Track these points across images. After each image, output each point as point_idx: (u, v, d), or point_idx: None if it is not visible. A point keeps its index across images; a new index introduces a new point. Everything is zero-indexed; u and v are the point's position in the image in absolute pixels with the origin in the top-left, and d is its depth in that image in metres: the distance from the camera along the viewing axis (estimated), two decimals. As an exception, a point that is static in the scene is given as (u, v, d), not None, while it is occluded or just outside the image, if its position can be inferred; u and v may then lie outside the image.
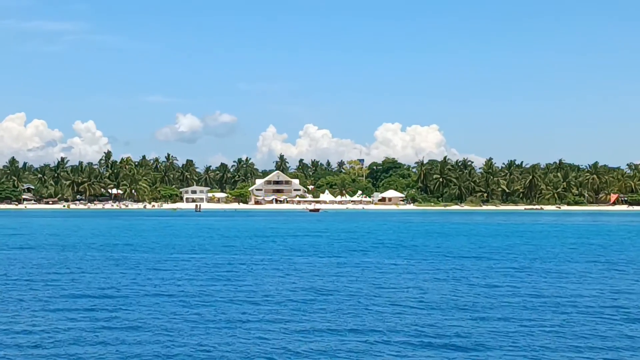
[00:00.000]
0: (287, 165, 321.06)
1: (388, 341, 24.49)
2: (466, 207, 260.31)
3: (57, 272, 44.71)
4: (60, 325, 26.90)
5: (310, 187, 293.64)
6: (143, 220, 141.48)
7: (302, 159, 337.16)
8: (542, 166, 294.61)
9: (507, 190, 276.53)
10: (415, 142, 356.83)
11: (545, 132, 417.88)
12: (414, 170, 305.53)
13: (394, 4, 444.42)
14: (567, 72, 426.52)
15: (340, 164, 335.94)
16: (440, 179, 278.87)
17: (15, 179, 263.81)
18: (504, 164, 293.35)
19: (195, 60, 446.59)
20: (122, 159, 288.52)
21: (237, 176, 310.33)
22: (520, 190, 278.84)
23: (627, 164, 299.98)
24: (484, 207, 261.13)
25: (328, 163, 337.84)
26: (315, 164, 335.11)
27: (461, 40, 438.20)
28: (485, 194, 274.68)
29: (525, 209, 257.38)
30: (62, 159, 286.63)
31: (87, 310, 30.04)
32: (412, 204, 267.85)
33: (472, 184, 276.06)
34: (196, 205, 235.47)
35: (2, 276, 42.35)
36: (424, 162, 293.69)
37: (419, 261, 52.65)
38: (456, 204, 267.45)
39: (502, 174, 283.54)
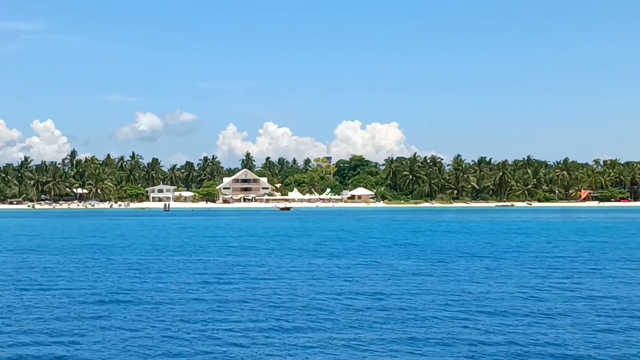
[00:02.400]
0: (253, 163, 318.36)
1: None
2: (437, 205, 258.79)
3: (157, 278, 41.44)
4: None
5: (278, 185, 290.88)
6: (123, 220, 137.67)
7: (269, 157, 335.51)
8: (509, 162, 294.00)
9: (477, 187, 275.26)
10: (375, 139, 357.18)
11: (504, 129, 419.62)
12: (381, 167, 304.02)
13: (353, 1, 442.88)
14: (530, 68, 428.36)
15: (307, 161, 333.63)
16: (410, 177, 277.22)
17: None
18: (474, 160, 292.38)
19: (155, 60, 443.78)
20: (86, 158, 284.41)
21: (203, 175, 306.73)
22: (491, 187, 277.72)
23: (594, 160, 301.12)
24: (455, 204, 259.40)
25: (294, 161, 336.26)
26: (281, 162, 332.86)
27: (421, 38, 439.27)
28: (456, 191, 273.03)
29: (496, 205, 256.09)
30: (26, 158, 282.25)
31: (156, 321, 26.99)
32: (381, 202, 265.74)
33: (442, 181, 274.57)
34: (165, 205, 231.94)
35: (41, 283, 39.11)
36: (393, 159, 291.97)
37: (469, 262, 49.87)
38: (426, 201, 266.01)
39: (472, 171, 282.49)
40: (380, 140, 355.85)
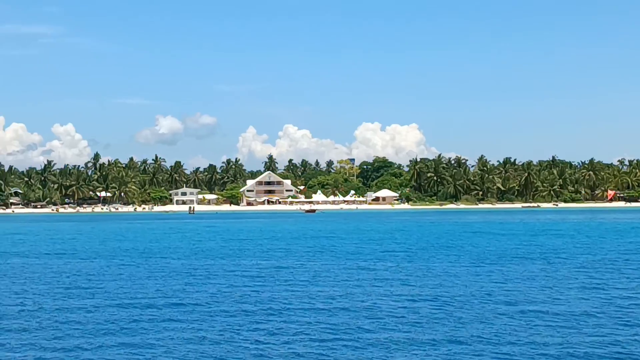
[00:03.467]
0: (276, 165, 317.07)
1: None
2: (462, 206, 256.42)
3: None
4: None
5: (301, 187, 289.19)
6: (153, 223, 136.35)
7: (292, 159, 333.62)
8: (534, 163, 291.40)
9: (503, 188, 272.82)
10: (395, 141, 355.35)
11: (525, 130, 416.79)
12: (405, 169, 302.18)
13: (373, 4, 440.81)
14: (550, 68, 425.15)
15: (329, 163, 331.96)
16: (435, 178, 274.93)
17: (2, 182, 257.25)
18: (499, 161, 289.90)
19: (174, 62, 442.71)
20: (109, 161, 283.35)
21: (226, 177, 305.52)
22: (516, 188, 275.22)
23: (618, 160, 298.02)
24: (480, 206, 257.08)
25: (317, 163, 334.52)
26: (304, 164, 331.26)
27: (441, 39, 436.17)
28: (481, 192, 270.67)
29: (522, 206, 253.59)
30: (49, 162, 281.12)
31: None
32: (406, 203, 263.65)
33: (467, 182, 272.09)
34: (190, 208, 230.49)
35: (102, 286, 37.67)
36: (417, 160, 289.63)
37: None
38: (451, 202, 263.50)
39: (497, 172, 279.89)
40: (400, 141, 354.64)
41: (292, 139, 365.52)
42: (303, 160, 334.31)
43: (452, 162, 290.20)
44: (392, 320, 28.25)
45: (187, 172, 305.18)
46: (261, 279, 42.08)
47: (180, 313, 30.45)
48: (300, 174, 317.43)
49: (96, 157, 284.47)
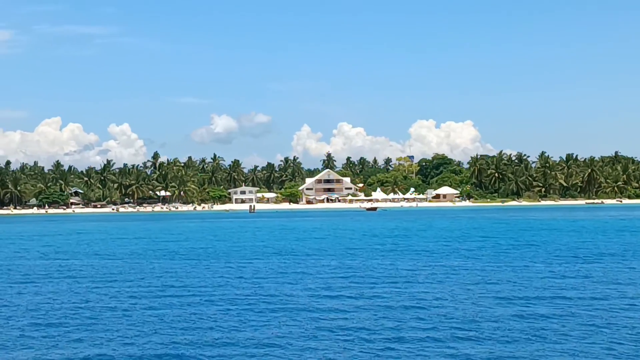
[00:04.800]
0: (334, 163, 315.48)
1: None
2: (524, 203, 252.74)
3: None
4: None
5: (360, 185, 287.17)
6: (222, 222, 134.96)
7: (349, 157, 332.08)
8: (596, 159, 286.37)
9: (565, 185, 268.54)
10: (450, 138, 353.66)
11: (584, 124, 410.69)
12: (463, 166, 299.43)
13: (424, 2, 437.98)
14: (609, 60, 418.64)
15: (387, 161, 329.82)
16: (496, 174, 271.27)
17: (62, 182, 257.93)
18: (560, 157, 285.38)
19: (228, 61, 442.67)
20: (168, 160, 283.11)
21: (284, 175, 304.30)
22: (579, 185, 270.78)
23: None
24: (543, 202, 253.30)
25: (375, 160, 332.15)
26: (362, 161, 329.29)
27: (495, 33, 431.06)
28: (543, 189, 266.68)
29: (586, 203, 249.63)
30: (108, 161, 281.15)
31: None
32: (467, 201, 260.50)
33: (529, 178, 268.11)
34: (250, 207, 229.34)
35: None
36: (478, 157, 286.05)
37: None
38: (513, 199, 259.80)
39: (559, 168, 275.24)
40: (455, 138, 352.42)
41: (347, 136, 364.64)
42: (361, 157, 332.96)
43: (513, 158, 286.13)
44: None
45: (245, 170, 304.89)
46: (353, 277, 40.22)
47: (304, 316, 28.70)
48: (358, 171, 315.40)
49: (155, 156, 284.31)
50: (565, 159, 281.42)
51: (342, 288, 37.12)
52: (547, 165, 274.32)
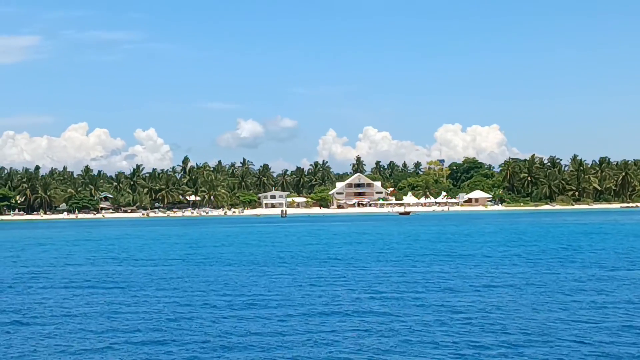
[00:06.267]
0: (364, 167, 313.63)
1: None
2: (558, 207, 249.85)
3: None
4: None
5: (390, 189, 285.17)
6: (260, 227, 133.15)
7: (379, 161, 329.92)
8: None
9: (599, 189, 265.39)
10: (476, 142, 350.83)
11: (606, 128, 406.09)
12: (495, 169, 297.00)
13: (450, 4, 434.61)
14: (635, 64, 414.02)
15: (417, 165, 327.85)
16: (529, 178, 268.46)
17: (92, 187, 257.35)
18: (593, 160, 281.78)
19: (254, 66, 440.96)
20: (197, 164, 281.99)
21: (314, 180, 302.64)
22: (613, 188, 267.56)
23: None
24: (577, 206, 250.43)
25: (404, 164, 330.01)
26: (391, 165, 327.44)
27: (522, 36, 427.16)
28: (577, 193, 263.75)
29: (622, 207, 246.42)
30: (138, 166, 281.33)
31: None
32: (499, 205, 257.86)
33: (562, 182, 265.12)
34: (282, 211, 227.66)
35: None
36: (510, 160, 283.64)
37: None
38: (546, 203, 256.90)
39: (592, 172, 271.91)
40: (481, 142, 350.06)
41: (372, 141, 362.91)
42: (390, 161, 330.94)
43: (545, 162, 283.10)
44: None
45: (274, 175, 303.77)
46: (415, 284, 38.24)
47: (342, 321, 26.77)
48: (388, 175, 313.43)
49: (185, 161, 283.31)
50: (598, 162, 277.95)
51: (419, 297, 35.30)
52: (581, 168, 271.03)
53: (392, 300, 34.15)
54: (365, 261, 54.73)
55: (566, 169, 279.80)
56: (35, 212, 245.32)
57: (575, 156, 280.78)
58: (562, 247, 65.63)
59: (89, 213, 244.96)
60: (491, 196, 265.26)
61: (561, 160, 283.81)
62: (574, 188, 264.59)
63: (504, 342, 24.54)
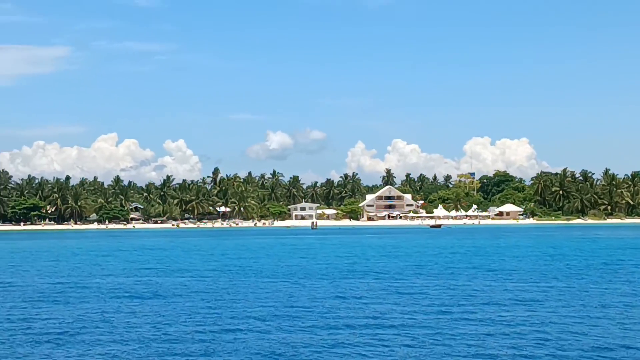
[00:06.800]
0: (394, 180, 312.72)
1: None
2: (590, 221, 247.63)
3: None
4: None
5: (420, 202, 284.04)
6: (299, 239, 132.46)
7: (409, 173, 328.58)
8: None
9: (632, 203, 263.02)
10: (505, 155, 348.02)
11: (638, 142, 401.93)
12: (526, 183, 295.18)
13: (479, 14, 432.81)
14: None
15: (447, 177, 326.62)
16: (560, 192, 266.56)
17: (123, 198, 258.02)
18: (626, 174, 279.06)
19: (283, 77, 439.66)
20: (228, 176, 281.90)
21: (344, 192, 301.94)
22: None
23: None
24: (609, 221, 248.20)
25: (434, 177, 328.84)
26: (421, 178, 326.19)
27: (551, 48, 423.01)
28: (609, 207, 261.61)
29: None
30: (168, 177, 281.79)
31: None
32: (531, 218, 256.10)
33: (594, 196, 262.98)
34: (312, 223, 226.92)
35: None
36: (542, 174, 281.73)
37: None
38: (578, 217, 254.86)
39: (625, 186, 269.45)
40: (510, 156, 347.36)
41: (401, 153, 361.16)
42: (420, 174, 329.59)
43: (577, 175, 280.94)
44: None
45: (304, 186, 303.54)
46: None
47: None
48: (418, 188, 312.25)
49: (215, 172, 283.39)
50: (630, 177, 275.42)
51: (466, 310, 34.87)
52: (613, 182, 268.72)
53: (439, 313, 33.69)
54: (405, 274, 54.16)
55: (598, 183, 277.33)
56: (65, 222, 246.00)
57: (607, 170, 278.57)
58: (604, 262, 64.73)
59: (119, 223, 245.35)
60: (522, 210, 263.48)
61: (593, 174, 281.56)
62: (606, 202, 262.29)
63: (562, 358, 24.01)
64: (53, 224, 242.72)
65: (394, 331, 29.27)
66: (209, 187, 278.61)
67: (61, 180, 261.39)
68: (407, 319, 32.21)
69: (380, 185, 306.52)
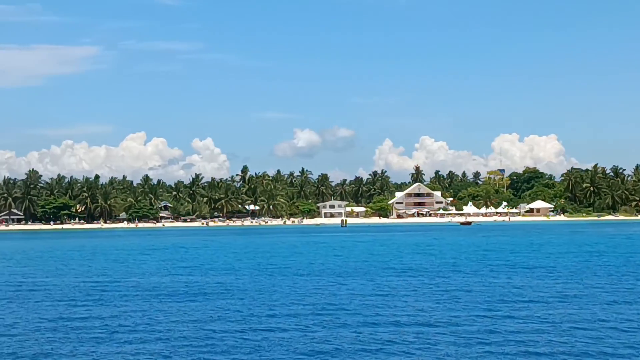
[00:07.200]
0: (423, 177, 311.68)
1: None
2: (621, 217, 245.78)
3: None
4: None
5: (450, 199, 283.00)
6: (334, 237, 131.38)
7: (438, 170, 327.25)
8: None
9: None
10: (534, 152, 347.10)
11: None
12: (556, 179, 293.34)
13: (507, 13, 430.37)
14: None
15: (476, 174, 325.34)
16: (591, 188, 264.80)
17: (152, 196, 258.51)
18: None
19: (310, 75, 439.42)
20: (257, 174, 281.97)
21: (373, 189, 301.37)
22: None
23: None
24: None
25: (464, 174, 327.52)
26: (450, 175, 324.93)
27: (579, 46, 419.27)
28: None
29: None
30: (197, 175, 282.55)
31: None
32: (561, 215, 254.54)
33: (625, 192, 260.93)
34: (342, 221, 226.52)
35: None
36: (572, 170, 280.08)
37: None
38: (609, 213, 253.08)
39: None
40: (539, 152, 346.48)
41: (429, 150, 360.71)
42: (449, 171, 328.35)
43: (608, 172, 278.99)
44: None
45: (333, 184, 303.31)
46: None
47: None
48: (447, 185, 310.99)
49: (244, 170, 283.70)
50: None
51: (510, 307, 34.47)
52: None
53: (484, 311, 33.11)
54: (442, 272, 53.53)
55: (629, 179, 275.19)
56: (95, 221, 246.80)
57: (638, 166, 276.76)
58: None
59: (148, 222, 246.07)
60: (553, 206, 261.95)
61: (624, 170, 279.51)
62: (638, 198, 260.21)
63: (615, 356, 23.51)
64: (83, 223, 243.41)
65: (439, 329, 28.80)
66: (237, 185, 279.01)
67: (90, 179, 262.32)
68: (451, 316, 31.72)
69: (408, 182, 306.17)
